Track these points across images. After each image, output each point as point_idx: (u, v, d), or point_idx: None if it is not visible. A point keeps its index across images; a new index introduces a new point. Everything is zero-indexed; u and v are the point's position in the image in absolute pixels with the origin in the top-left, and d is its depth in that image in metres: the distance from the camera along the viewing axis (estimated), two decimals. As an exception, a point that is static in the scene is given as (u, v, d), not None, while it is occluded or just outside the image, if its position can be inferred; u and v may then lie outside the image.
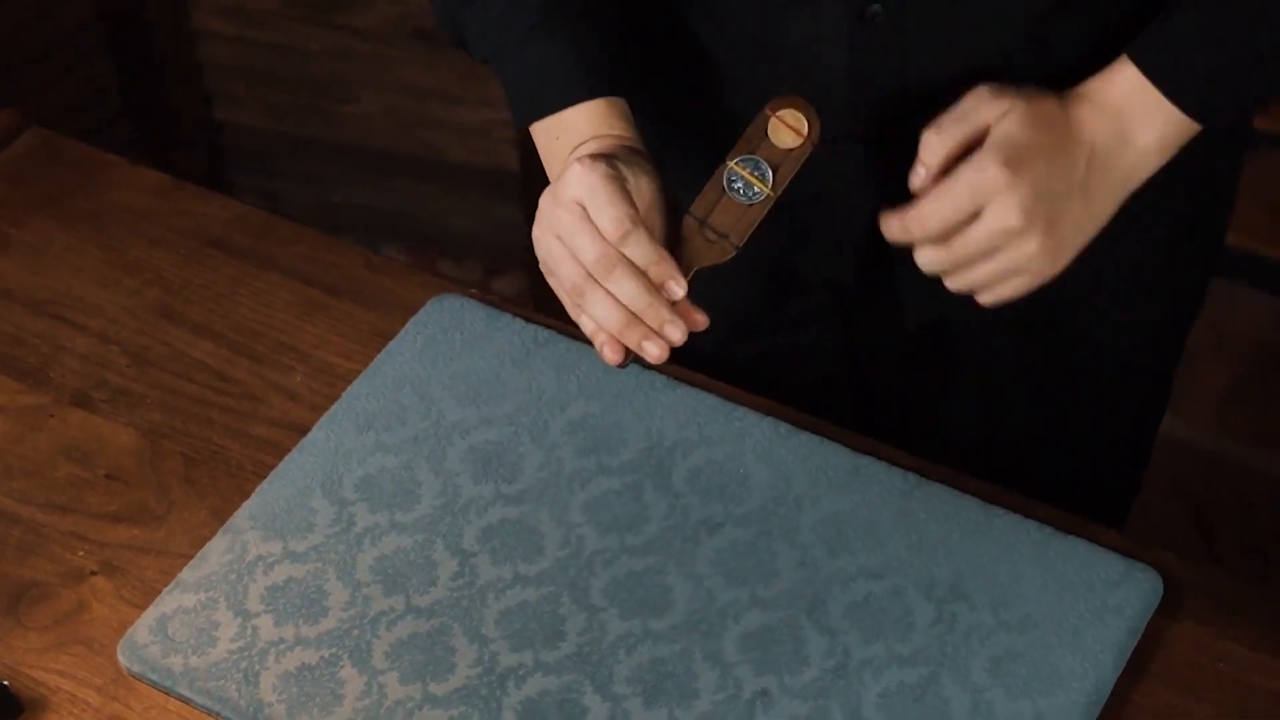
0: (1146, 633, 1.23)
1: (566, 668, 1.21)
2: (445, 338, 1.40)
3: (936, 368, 1.45)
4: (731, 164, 1.17)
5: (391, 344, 1.41)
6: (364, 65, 2.57)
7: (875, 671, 1.21)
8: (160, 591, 1.27)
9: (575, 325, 1.42)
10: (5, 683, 1.23)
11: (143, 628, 1.24)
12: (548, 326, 1.41)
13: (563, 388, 1.37)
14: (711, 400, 1.35)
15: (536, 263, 2.83)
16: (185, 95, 2.69)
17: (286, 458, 1.34)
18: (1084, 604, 1.23)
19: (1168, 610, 1.24)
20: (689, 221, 1.18)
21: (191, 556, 1.29)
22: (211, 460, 1.36)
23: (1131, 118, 1.10)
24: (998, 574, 1.25)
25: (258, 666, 1.22)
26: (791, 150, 1.15)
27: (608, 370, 1.37)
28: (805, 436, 1.33)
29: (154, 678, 1.22)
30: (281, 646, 1.23)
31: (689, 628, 1.23)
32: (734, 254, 1.17)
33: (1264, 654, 1.22)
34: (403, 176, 2.69)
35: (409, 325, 1.42)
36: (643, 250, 1.13)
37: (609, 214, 1.13)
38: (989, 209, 1.10)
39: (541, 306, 2.64)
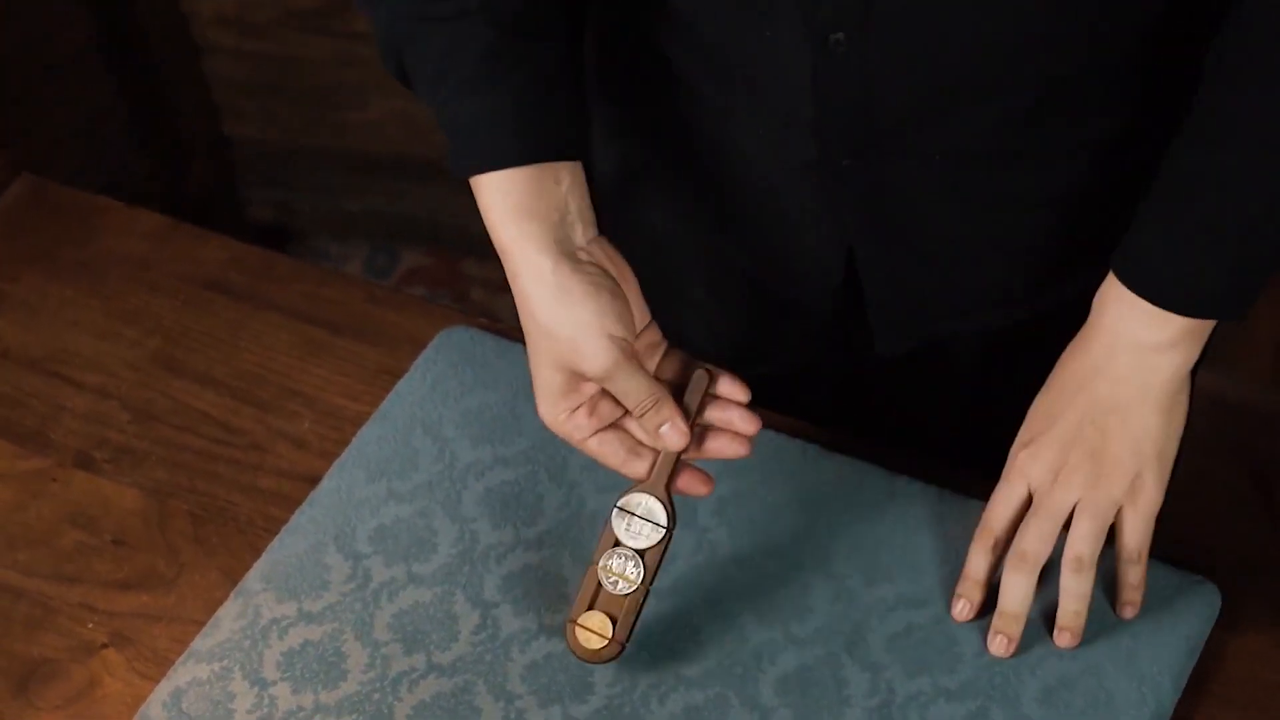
0: (1204, 649, 1.17)
1: (598, 722, 1.16)
2: (455, 374, 1.35)
3: (932, 382, 1.40)
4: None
5: (400, 384, 1.35)
6: (369, 71, 2.51)
7: (921, 708, 1.15)
8: (173, 661, 1.22)
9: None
10: (17, 769, 1.19)
11: (156, 704, 1.19)
12: (561, 356, 1.35)
13: (579, 420, 1.31)
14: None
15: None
16: (192, 111, 2.63)
17: (297, 511, 1.29)
18: (1138, 623, 1.17)
19: (1225, 623, 1.18)
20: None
21: (204, 622, 1.24)
22: (220, 517, 1.31)
23: (1128, 353, 1.14)
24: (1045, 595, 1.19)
25: (277, 739, 1.17)
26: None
27: (625, 399, 1.31)
28: (837, 459, 1.27)
29: (170, 756, 1.17)
30: (300, 715, 1.18)
31: (722, 673, 1.17)
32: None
33: (1329, 665, 1.16)
34: (418, 180, 2.63)
35: (417, 363, 1.36)
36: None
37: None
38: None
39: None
